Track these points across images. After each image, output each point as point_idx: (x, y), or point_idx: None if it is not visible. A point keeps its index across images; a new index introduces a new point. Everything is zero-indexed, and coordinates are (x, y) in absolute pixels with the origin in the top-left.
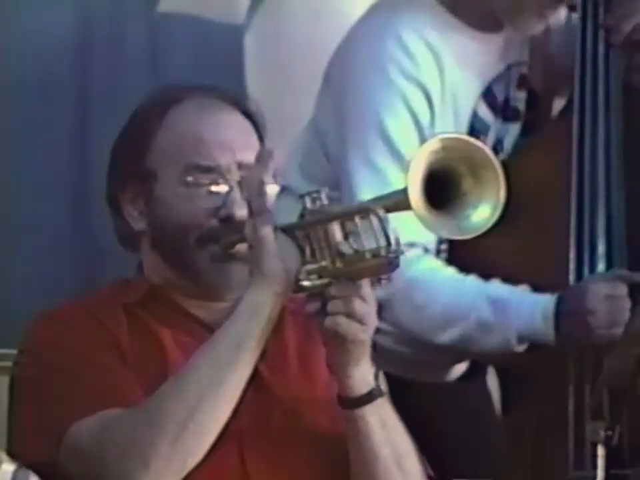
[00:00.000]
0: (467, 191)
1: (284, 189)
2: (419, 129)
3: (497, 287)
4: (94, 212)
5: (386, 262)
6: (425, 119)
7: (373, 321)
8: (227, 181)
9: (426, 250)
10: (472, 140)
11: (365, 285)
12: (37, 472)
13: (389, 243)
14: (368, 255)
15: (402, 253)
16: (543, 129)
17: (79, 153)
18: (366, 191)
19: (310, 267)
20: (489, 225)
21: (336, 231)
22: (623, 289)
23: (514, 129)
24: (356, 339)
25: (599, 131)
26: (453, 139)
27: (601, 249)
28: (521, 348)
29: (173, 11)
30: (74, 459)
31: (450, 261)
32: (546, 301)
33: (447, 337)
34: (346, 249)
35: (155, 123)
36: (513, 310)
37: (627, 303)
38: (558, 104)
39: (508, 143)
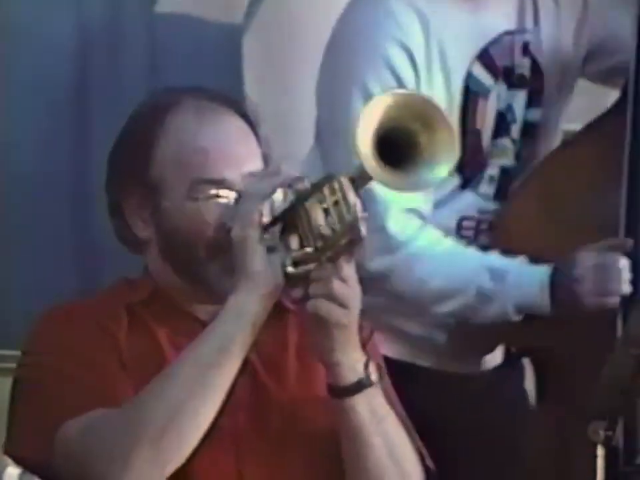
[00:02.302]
0: (424, 148)
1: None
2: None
3: (496, 257)
4: (94, 212)
5: (348, 228)
6: (409, 80)
7: (356, 304)
8: (234, 193)
9: (422, 217)
10: (423, 95)
11: (346, 267)
12: (34, 473)
13: (348, 208)
14: (339, 228)
15: (361, 217)
16: (544, 101)
17: (79, 153)
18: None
19: (296, 254)
20: (443, 179)
21: (318, 212)
22: (614, 258)
23: (521, 97)
24: (338, 322)
25: None
26: (405, 94)
27: None
28: (517, 318)
29: (171, 11)
30: (64, 459)
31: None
32: (542, 271)
33: (447, 307)
34: (325, 230)
35: (155, 132)
36: (512, 280)
37: (620, 273)
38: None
39: (518, 111)
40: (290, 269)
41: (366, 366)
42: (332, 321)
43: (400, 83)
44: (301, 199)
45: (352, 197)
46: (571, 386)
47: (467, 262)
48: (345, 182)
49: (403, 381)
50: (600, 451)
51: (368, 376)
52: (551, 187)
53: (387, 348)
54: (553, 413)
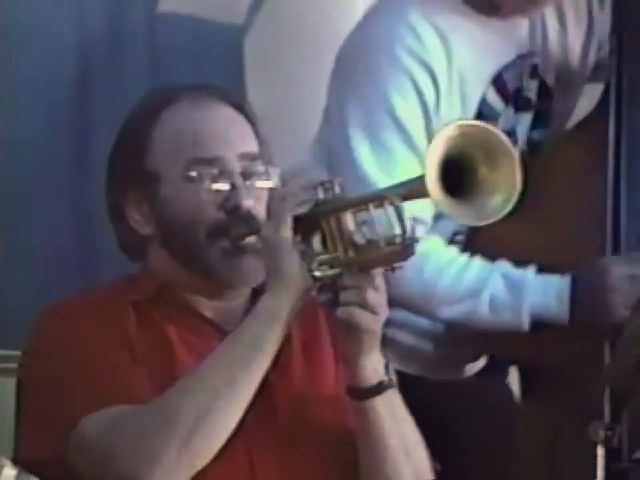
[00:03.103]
0: (484, 178)
1: None
2: (424, 108)
3: (508, 266)
4: (94, 212)
5: (400, 249)
6: (430, 99)
7: (385, 311)
8: (229, 173)
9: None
10: (489, 127)
11: (378, 275)
12: (45, 470)
13: (404, 231)
14: (382, 244)
15: (417, 240)
16: (552, 122)
17: (80, 151)
18: (373, 169)
19: (322, 257)
20: (506, 211)
21: (349, 220)
22: None
23: (526, 119)
24: (369, 328)
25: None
26: (470, 126)
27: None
28: (527, 328)
29: (172, 11)
30: (81, 456)
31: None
32: (559, 282)
33: (452, 312)
34: (359, 238)
35: (150, 125)
36: (527, 288)
37: None
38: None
39: (521, 133)
40: (317, 273)
41: (387, 368)
42: (363, 327)
43: (420, 97)
44: (338, 207)
45: (408, 222)
46: (556, 385)
47: (478, 267)
48: (398, 202)
49: None
50: (600, 451)
51: (389, 377)
52: (535, 189)
53: None
54: (538, 411)
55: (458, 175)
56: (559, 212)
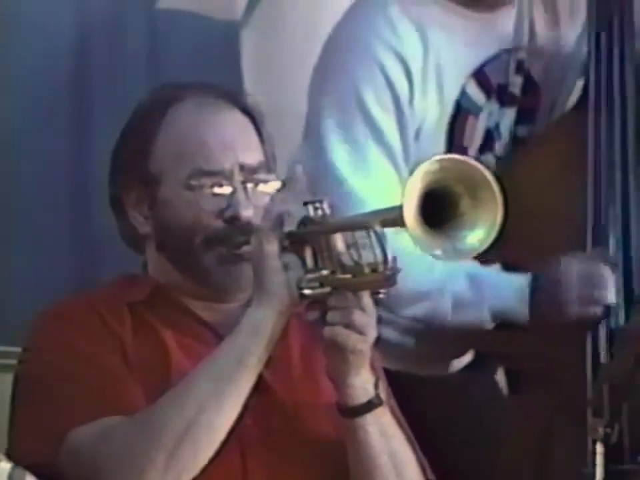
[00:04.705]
0: (464, 212)
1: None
2: (396, 101)
3: (473, 264)
4: (94, 212)
5: (382, 278)
6: (403, 91)
7: (373, 331)
8: (230, 183)
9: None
10: (470, 161)
11: (365, 296)
12: (36, 472)
13: (385, 260)
14: (367, 269)
15: (399, 270)
16: (538, 117)
17: (79, 152)
18: (339, 159)
19: (311, 275)
20: (485, 246)
21: (338, 240)
22: (600, 268)
23: (510, 115)
24: (355, 349)
25: (615, 122)
26: (451, 160)
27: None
28: (491, 326)
29: (171, 8)
30: (72, 464)
31: None
32: (520, 279)
33: (414, 310)
34: (347, 260)
35: (155, 126)
36: (489, 287)
37: (606, 281)
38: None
39: (504, 129)
40: (307, 291)
41: (376, 385)
42: (349, 348)
43: (392, 91)
44: (325, 230)
45: (390, 252)
46: (541, 380)
47: (442, 266)
48: (382, 233)
49: None
50: (599, 449)
51: (378, 395)
52: (515, 187)
53: None
54: (525, 406)
55: (439, 208)
56: (538, 211)
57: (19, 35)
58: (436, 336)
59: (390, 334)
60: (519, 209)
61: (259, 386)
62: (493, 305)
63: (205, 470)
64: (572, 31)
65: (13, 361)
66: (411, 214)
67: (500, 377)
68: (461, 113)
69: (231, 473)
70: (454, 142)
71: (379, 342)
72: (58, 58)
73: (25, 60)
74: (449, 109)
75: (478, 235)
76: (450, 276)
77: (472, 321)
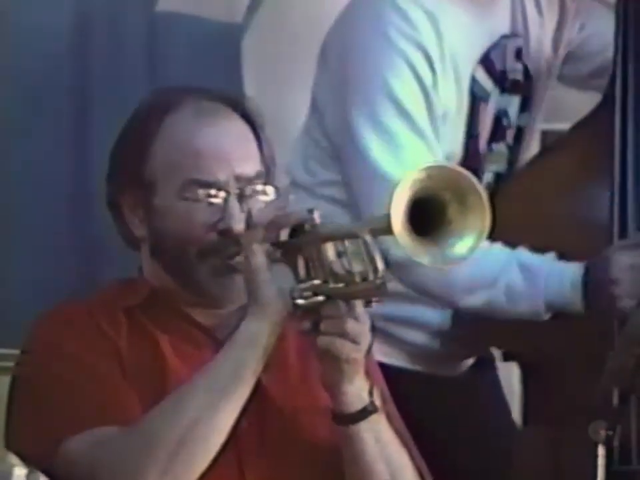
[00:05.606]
0: (452, 219)
1: (290, 184)
2: (423, 90)
3: (526, 253)
4: (94, 212)
5: (373, 287)
6: (428, 80)
7: (366, 339)
8: (225, 194)
9: None
10: (457, 168)
11: (358, 305)
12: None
13: (375, 269)
14: (357, 278)
15: (388, 279)
16: (533, 107)
17: (79, 152)
18: (377, 153)
19: (303, 285)
20: (472, 254)
21: (329, 249)
22: None
23: (515, 102)
24: (349, 357)
25: None
26: (438, 168)
27: None
28: (547, 316)
29: (171, 10)
30: (67, 473)
31: None
32: (574, 270)
33: (471, 300)
34: (338, 268)
35: (152, 134)
36: (543, 278)
37: None
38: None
39: (513, 115)
40: (300, 301)
41: (370, 393)
42: (343, 357)
43: (418, 79)
44: (316, 239)
45: (379, 261)
46: (557, 381)
47: (496, 255)
48: (372, 242)
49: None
50: (600, 451)
51: (372, 402)
52: (534, 188)
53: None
54: (538, 407)
55: (427, 215)
56: (558, 212)
57: (19, 35)
58: (458, 335)
59: (416, 336)
60: (537, 211)
61: (256, 391)
62: (548, 296)
63: (201, 476)
64: (550, 26)
65: (11, 364)
66: (398, 222)
67: (515, 378)
68: (475, 101)
69: (228, 477)
70: (470, 129)
71: (403, 344)
72: (58, 58)
73: (25, 60)
74: (466, 95)
75: (466, 242)
76: (502, 265)
77: (527, 312)
